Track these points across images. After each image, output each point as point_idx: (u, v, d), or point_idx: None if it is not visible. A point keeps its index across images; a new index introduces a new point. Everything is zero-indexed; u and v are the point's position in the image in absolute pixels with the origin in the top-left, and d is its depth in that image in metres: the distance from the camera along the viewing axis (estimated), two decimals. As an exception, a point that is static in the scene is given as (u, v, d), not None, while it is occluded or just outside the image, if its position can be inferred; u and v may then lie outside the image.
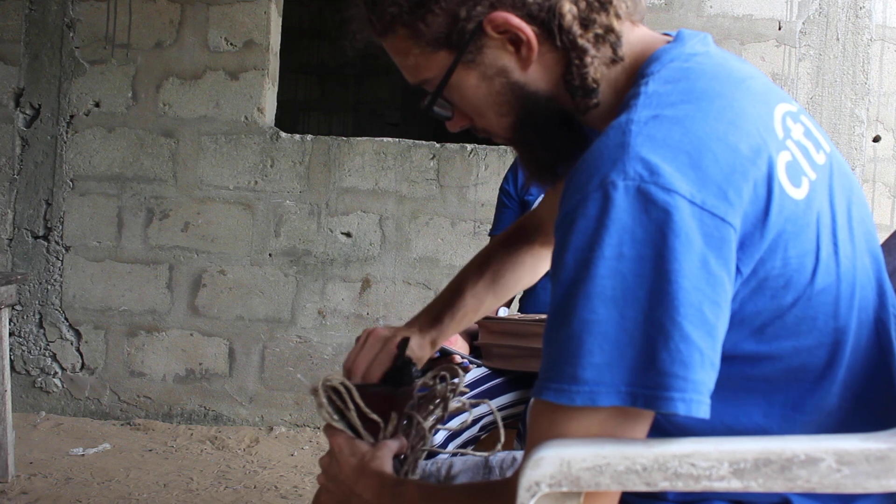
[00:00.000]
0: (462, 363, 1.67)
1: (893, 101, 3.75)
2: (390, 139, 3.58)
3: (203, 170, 3.57)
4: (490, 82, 0.87)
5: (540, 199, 2.15)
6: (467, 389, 1.07)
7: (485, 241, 3.39)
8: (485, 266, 1.27)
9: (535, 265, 1.31)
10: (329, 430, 1.00)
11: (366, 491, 0.92)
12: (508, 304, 2.04)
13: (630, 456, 0.69)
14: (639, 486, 0.69)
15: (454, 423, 1.52)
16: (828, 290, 0.78)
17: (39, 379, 3.62)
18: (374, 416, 0.99)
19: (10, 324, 3.21)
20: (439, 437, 1.52)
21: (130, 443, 3.30)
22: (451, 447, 1.54)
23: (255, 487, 2.87)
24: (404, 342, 1.07)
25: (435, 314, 1.21)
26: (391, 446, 0.97)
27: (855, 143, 3.60)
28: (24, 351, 3.62)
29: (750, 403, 0.80)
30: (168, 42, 3.57)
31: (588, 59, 0.84)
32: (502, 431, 1.04)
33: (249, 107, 3.55)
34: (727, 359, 0.74)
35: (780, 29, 3.56)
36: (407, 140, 3.58)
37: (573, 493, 0.70)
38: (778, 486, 0.69)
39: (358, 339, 1.13)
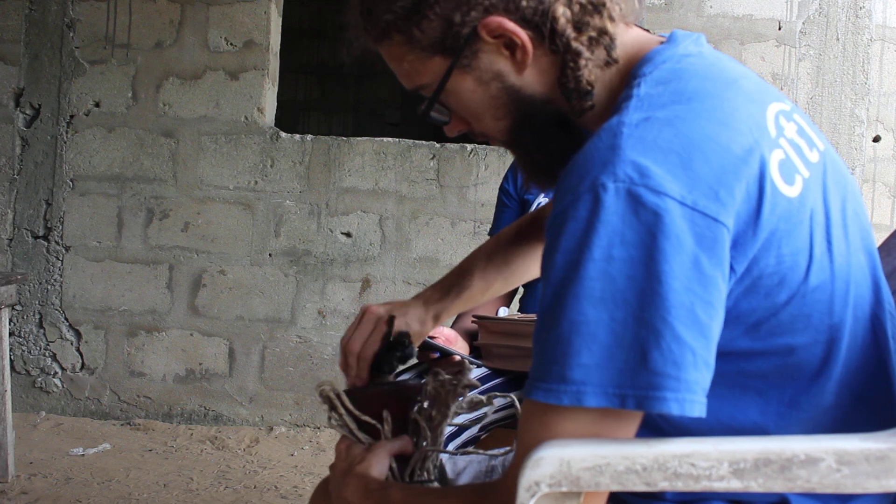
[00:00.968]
0: (458, 362, 1.66)
1: (893, 101, 3.75)
2: (390, 139, 3.58)
3: (203, 170, 3.57)
4: (486, 86, 0.87)
5: (541, 197, 2.15)
6: (478, 383, 1.07)
7: (485, 241, 3.39)
8: (495, 251, 1.28)
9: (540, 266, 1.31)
10: (342, 436, 1.01)
11: (351, 494, 0.92)
12: (508, 304, 2.04)
13: (630, 456, 0.69)
14: (638, 486, 0.69)
15: (472, 416, 1.51)
16: (822, 287, 0.78)
17: (39, 379, 3.62)
18: (367, 418, 0.99)
19: (10, 324, 3.21)
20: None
21: (130, 443, 3.30)
22: (450, 447, 1.54)
23: (255, 487, 2.87)
24: (391, 321, 1.08)
25: (442, 290, 1.22)
26: (387, 448, 0.97)
27: (855, 143, 3.60)
28: (24, 351, 3.62)
29: (746, 401, 0.80)
30: (168, 42, 3.57)
31: (582, 62, 0.84)
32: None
33: (249, 107, 3.55)
34: (722, 356, 0.74)
35: (780, 29, 3.56)
36: (407, 140, 3.58)
37: (573, 493, 0.70)
38: (778, 486, 0.69)
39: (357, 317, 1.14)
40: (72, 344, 3.62)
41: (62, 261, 3.61)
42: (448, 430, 1.52)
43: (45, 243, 3.62)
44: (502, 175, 2.73)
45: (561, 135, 0.91)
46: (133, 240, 3.60)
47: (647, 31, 0.93)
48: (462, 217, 3.52)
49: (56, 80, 3.59)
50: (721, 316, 0.72)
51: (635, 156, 0.71)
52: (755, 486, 0.68)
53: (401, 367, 1.30)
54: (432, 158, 3.53)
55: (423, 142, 3.56)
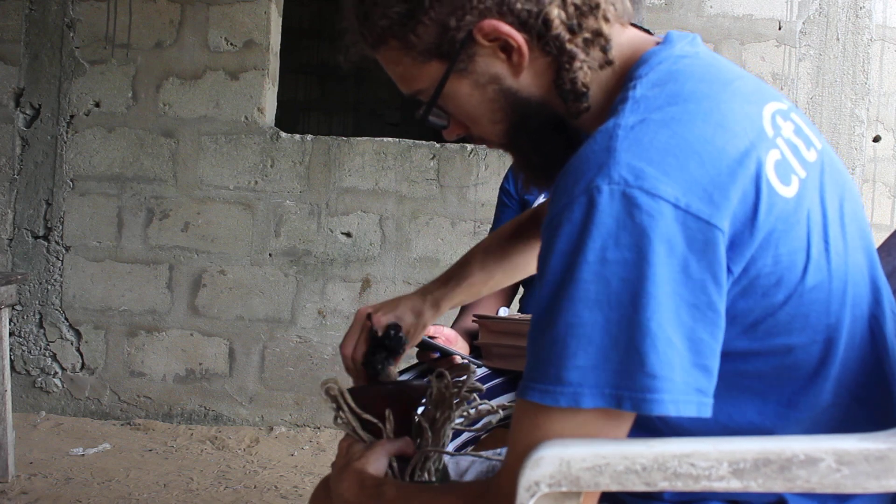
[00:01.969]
0: (462, 363, 1.66)
1: (893, 101, 3.75)
2: (390, 139, 3.58)
3: (203, 170, 3.57)
4: (483, 90, 0.88)
5: (541, 198, 2.14)
6: (482, 387, 1.07)
7: (485, 241, 3.39)
8: (494, 245, 1.29)
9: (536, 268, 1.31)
10: (346, 435, 1.02)
11: (346, 491, 0.93)
12: (508, 304, 2.04)
13: (630, 456, 0.69)
14: (638, 486, 0.69)
15: (479, 425, 1.52)
16: (819, 287, 0.78)
17: (39, 379, 3.62)
18: (369, 417, 0.99)
19: (10, 324, 3.21)
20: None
21: (130, 443, 3.30)
22: (450, 447, 1.54)
23: (255, 487, 2.87)
24: (368, 317, 1.12)
25: (441, 280, 1.24)
26: (386, 446, 0.97)
27: (855, 143, 3.60)
28: (24, 351, 3.62)
29: (744, 401, 0.80)
30: (168, 42, 3.57)
31: (577, 64, 0.85)
32: None
33: (249, 107, 3.55)
34: (720, 356, 0.74)
35: (780, 29, 3.56)
36: (407, 140, 3.58)
37: (572, 493, 0.70)
38: (777, 486, 0.69)
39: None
40: (72, 344, 3.62)
41: (62, 261, 3.61)
42: (451, 432, 1.52)
43: (45, 243, 3.62)
44: (502, 175, 2.73)
45: (558, 137, 0.91)
46: (133, 240, 3.60)
47: (647, 31, 0.93)
48: (462, 217, 3.52)
49: (56, 80, 3.59)
50: (715, 319, 0.72)
51: (630, 158, 0.72)
52: (755, 486, 0.68)
53: (403, 366, 1.30)
54: (432, 158, 3.53)
55: (424, 142, 3.56)
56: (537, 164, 0.94)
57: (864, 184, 3.69)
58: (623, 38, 0.88)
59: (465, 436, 1.59)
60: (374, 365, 1.09)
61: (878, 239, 1.03)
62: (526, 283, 1.88)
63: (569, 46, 0.84)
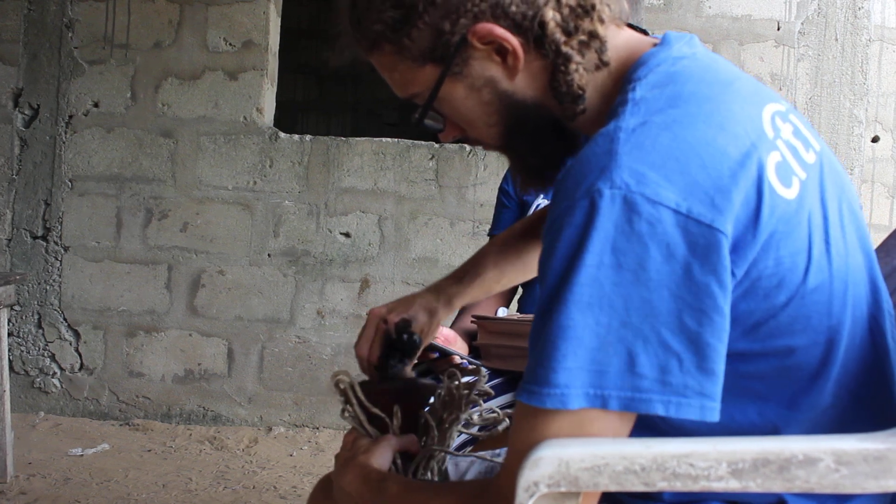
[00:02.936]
0: (462, 363, 1.66)
1: (892, 101, 3.75)
2: (389, 139, 3.58)
3: (202, 170, 3.57)
4: (478, 93, 0.87)
5: (540, 198, 2.15)
6: (492, 392, 1.08)
7: (484, 241, 3.39)
8: (507, 243, 1.29)
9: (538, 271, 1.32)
10: (351, 428, 1.02)
11: (349, 483, 0.93)
12: (508, 304, 2.04)
13: (629, 456, 0.69)
14: (637, 487, 0.69)
15: (486, 432, 1.52)
16: (821, 288, 0.78)
17: (38, 379, 3.61)
18: (377, 411, 0.99)
19: (8, 324, 3.21)
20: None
21: (129, 443, 3.30)
22: (450, 449, 1.54)
23: (253, 488, 2.87)
24: (404, 324, 1.11)
25: (454, 278, 1.24)
26: (392, 442, 0.98)
27: (854, 143, 3.60)
28: (22, 351, 3.61)
29: (745, 401, 0.80)
30: (167, 42, 3.57)
31: (573, 66, 0.84)
32: None
33: (248, 107, 3.55)
34: None
35: (778, 29, 3.56)
36: (406, 140, 3.58)
37: (571, 493, 0.70)
38: (776, 486, 0.69)
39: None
40: (70, 344, 3.62)
41: (61, 261, 3.61)
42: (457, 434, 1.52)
43: (44, 243, 3.61)
44: (501, 175, 2.73)
45: (554, 139, 0.91)
46: (132, 240, 3.60)
47: (644, 31, 0.93)
48: (461, 217, 3.52)
49: (55, 80, 3.59)
50: (720, 322, 0.72)
51: (632, 162, 0.72)
52: (754, 486, 0.68)
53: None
54: (431, 159, 3.54)
55: (422, 142, 3.56)
56: (533, 166, 0.94)
57: (862, 184, 3.69)
58: (619, 40, 0.88)
59: (463, 436, 1.59)
60: (388, 367, 1.09)
61: (877, 239, 1.03)
62: (525, 283, 1.88)
63: (564, 49, 0.84)
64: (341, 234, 3.55)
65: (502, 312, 1.89)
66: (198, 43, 3.55)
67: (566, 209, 0.73)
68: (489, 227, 2.34)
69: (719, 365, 0.73)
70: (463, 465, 1.15)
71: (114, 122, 3.59)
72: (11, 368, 3.51)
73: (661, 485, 0.69)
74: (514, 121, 0.89)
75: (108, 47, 3.57)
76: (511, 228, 1.34)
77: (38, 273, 3.61)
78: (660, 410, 0.70)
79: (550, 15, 0.83)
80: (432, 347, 1.49)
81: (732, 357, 0.77)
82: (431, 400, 1.06)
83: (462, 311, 1.94)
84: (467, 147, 3.51)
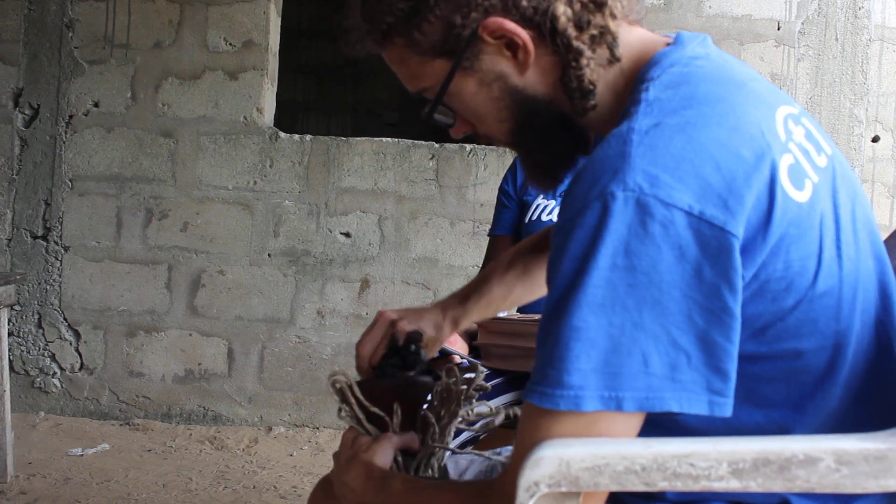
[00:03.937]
0: (462, 363, 1.67)
1: (892, 101, 3.75)
2: (389, 139, 3.58)
3: (202, 170, 3.57)
4: (488, 88, 0.87)
5: (539, 198, 2.15)
6: (488, 387, 1.08)
7: (484, 241, 3.39)
8: (514, 260, 1.29)
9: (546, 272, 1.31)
10: (350, 427, 1.02)
11: (352, 480, 0.93)
12: (507, 305, 2.03)
13: (629, 456, 0.69)
14: (638, 487, 0.69)
15: (478, 426, 1.52)
16: (830, 292, 0.78)
17: (38, 379, 3.61)
18: (376, 410, 0.99)
19: (8, 324, 3.21)
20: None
21: (129, 443, 3.30)
22: (451, 445, 1.54)
23: (253, 487, 2.87)
24: (415, 335, 1.10)
25: (460, 296, 1.23)
26: (393, 440, 0.98)
27: (854, 143, 3.60)
28: (22, 351, 3.61)
29: (751, 404, 0.80)
30: (167, 42, 3.57)
31: (584, 61, 0.84)
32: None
33: (248, 107, 3.55)
34: None
35: (778, 29, 3.56)
36: (406, 140, 3.58)
37: (572, 493, 0.70)
38: (777, 486, 0.69)
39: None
40: (71, 344, 3.62)
41: (61, 261, 3.61)
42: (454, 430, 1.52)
43: (44, 243, 3.61)
44: (501, 175, 2.73)
45: (564, 135, 0.91)
46: (132, 240, 3.60)
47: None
48: (461, 217, 3.52)
49: (55, 80, 3.59)
50: (730, 322, 0.72)
51: (646, 164, 0.71)
52: (754, 486, 0.68)
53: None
54: (431, 158, 3.54)
55: (422, 142, 3.56)
56: (543, 163, 0.94)
57: (862, 184, 3.68)
58: (631, 37, 0.87)
59: (465, 435, 1.59)
60: (385, 370, 1.08)
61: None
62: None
63: (575, 43, 0.83)
64: (341, 233, 3.55)
65: (502, 312, 1.89)
66: (198, 43, 3.55)
67: (578, 211, 0.72)
68: (489, 227, 2.34)
69: (729, 364, 0.72)
70: (463, 463, 1.15)
71: (114, 122, 3.59)
72: (11, 368, 3.51)
73: (662, 485, 0.69)
74: (525, 116, 0.88)
75: (109, 47, 3.57)
76: (518, 246, 1.32)
77: (39, 273, 3.61)
78: (673, 407, 0.70)
79: (562, 9, 0.82)
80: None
81: (740, 359, 0.76)
82: (429, 397, 1.06)
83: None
84: (467, 147, 3.51)
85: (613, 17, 0.85)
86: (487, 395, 1.64)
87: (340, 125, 6.34)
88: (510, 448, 1.15)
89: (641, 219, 0.70)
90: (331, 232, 3.55)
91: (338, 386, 1.01)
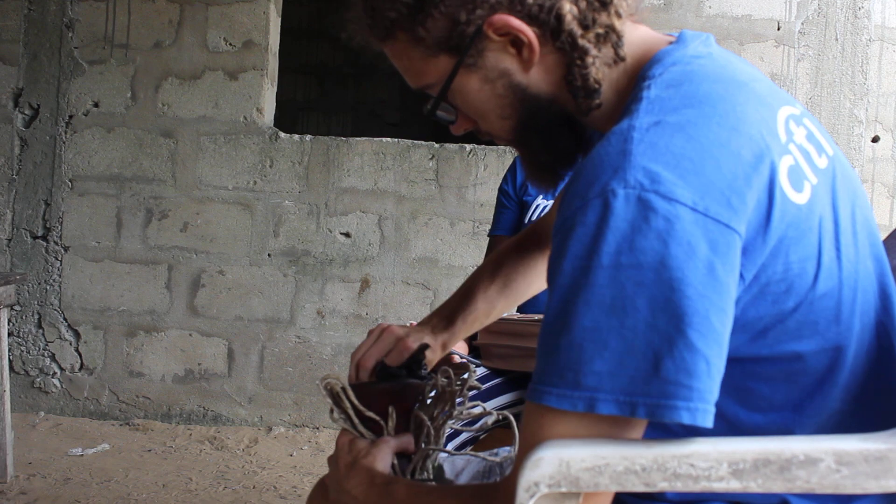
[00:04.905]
0: (462, 362, 1.66)
1: (892, 101, 3.75)
2: (389, 139, 3.58)
3: (202, 170, 3.57)
4: (492, 85, 0.87)
5: (539, 199, 2.15)
6: (480, 385, 1.07)
7: (484, 241, 3.39)
8: (496, 271, 1.27)
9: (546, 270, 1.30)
10: (342, 430, 1.01)
11: (354, 487, 0.92)
12: (507, 305, 2.03)
13: (629, 456, 0.69)
14: (638, 487, 0.69)
15: (476, 426, 1.52)
16: (830, 294, 0.78)
17: (38, 379, 3.61)
18: (371, 414, 0.99)
19: (8, 324, 3.21)
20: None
21: (129, 443, 3.30)
22: (449, 447, 1.54)
23: (254, 488, 2.87)
24: (423, 347, 1.08)
25: (446, 316, 1.21)
26: (391, 443, 0.97)
27: (854, 143, 3.60)
28: (22, 351, 3.61)
29: (751, 404, 0.80)
30: (167, 42, 3.57)
31: (589, 60, 0.83)
32: (517, 434, 1.04)
33: (248, 107, 3.55)
34: (730, 361, 0.73)
35: (778, 29, 3.56)
36: (406, 140, 3.58)
37: (572, 493, 0.70)
38: (777, 486, 0.68)
39: (371, 332, 1.13)
40: (71, 344, 3.62)
41: (61, 261, 3.61)
42: (448, 431, 1.52)
43: (44, 243, 3.61)
44: (501, 175, 2.73)
45: (567, 134, 0.90)
46: (132, 240, 3.60)
47: None
48: (461, 217, 3.52)
49: (55, 80, 3.59)
50: (730, 324, 0.72)
51: (646, 161, 0.71)
52: (754, 486, 0.68)
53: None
54: (431, 158, 3.53)
55: (422, 142, 3.56)
56: (546, 162, 0.93)
57: (862, 184, 3.69)
58: (635, 36, 0.87)
59: (464, 436, 1.59)
60: (385, 374, 1.08)
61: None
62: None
63: (581, 42, 0.83)
64: (341, 233, 3.55)
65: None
66: (198, 43, 3.55)
67: (578, 209, 0.71)
68: (489, 227, 2.34)
69: (724, 367, 0.72)
70: (459, 463, 1.15)
71: (114, 122, 3.59)
72: (11, 368, 3.51)
73: (662, 485, 0.69)
74: (528, 114, 0.88)
75: (109, 47, 3.57)
76: (500, 251, 1.30)
77: (38, 273, 3.61)
78: (686, 419, 0.68)
79: (567, 7, 0.82)
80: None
81: (741, 361, 0.76)
82: (420, 398, 1.06)
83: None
84: (467, 147, 3.51)
85: (619, 15, 0.84)
86: (487, 395, 1.64)
87: (341, 125, 6.34)
88: (507, 449, 1.15)
89: (644, 215, 0.69)
90: (331, 232, 3.55)
91: (333, 390, 1.00)
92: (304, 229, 3.56)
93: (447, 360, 1.58)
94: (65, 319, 3.61)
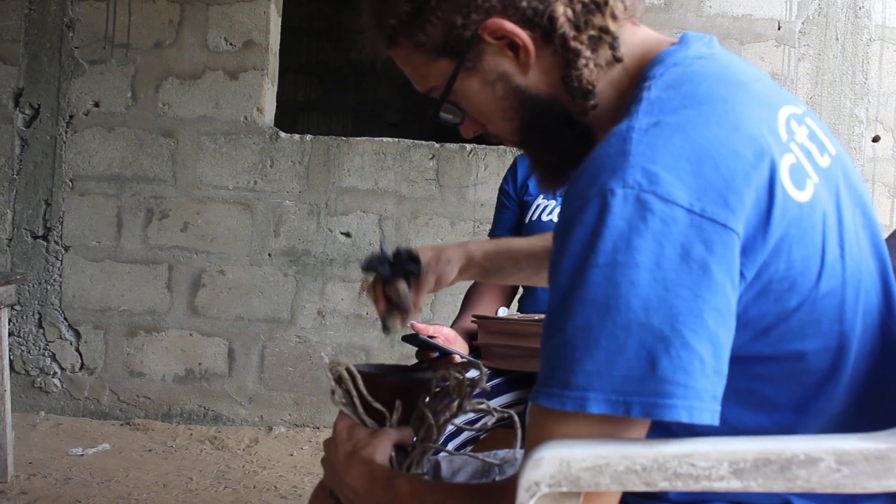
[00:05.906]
0: (473, 362, 1.66)
1: (893, 101, 3.75)
2: (390, 139, 3.58)
3: (202, 170, 3.57)
4: (492, 88, 0.88)
5: (539, 199, 2.14)
6: (488, 387, 1.07)
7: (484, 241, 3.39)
8: (531, 244, 1.36)
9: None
10: (340, 413, 1.00)
11: (354, 480, 0.92)
12: (508, 304, 2.04)
13: (630, 456, 0.69)
14: (638, 487, 0.69)
15: (478, 425, 1.52)
16: (833, 293, 0.78)
17: (39, 379, 3.62)
18: (377, 405, 0.99)
19: (9, 324, 3.21)
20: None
21: (130, 443, 3.30)
22: (450, 446, 1.54)
23: (254, 487, 2.87)
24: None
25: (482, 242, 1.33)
26: (391, 435, 0.97)
27: (854, 143, 3.60)
28: (23, 351, 3.62)
29: (754, 405, 0.80)
30: (167, 42, 3.57)
31: (582, 62, 0.84)
32: (518, 434, 1.04)
33: (249, 107, 3.55)
34: (732, 361, 0.73)
35: (779, 29, 3.56)
36: (406, 140, 3.58)
37: (572, 493, 0.70)
38: (777, 486, 0.68)
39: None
40: (71, 344, 3.62)
41: (61, 261, 3.61)
42: (449, 428, 1.52)
43: (45, 243, 3.61)
44: (502, 175, 2.73)
45: (570, 134, 0.91)
46: (132, 240, 3.60)
47: None
48: (461, 217, 3.52)
49: (55, 79, 3.59)
50: (730, 322, 0.72)
51: (645, 162, 0.71)
52: (755, 486, 0.68)
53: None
54: (432, 158, 3.53)
55: (423, 142, 3.56)
56: (550, 162, 0.94)
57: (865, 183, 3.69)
58: (635, 37, 0.88)
59: (464, 435, 1.59)
60: (370, 264, 1.16)
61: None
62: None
63: (573, 44, 0.84)
64: (342, 233, 3.55)
65: (503, 312, 1.89)
66: (198, 43, 3.55)
67: (578, 209, 0.72)
68: (489, 227, 2.34)
69: (726, 367, 0.72)
70: (457, 462, 1.15)
71: (114, 122, 3.59)
72: (12, 368, 3.52)
73: (663, 485, 0.69)
74: (530, 116, 0.89)
75: (109, 47, 3.57)
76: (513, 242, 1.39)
77: (39, 273, 3.61)
78: (683, 417, 0.68)
79: (561, 10, 0.83)
80: (432, 346, 1.50)
81: (744, 360, 0.76)
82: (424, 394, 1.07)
83: (462, 311, 1.94)
84: (468, 147, 3.51)
85: (614, 17, 0.85)
86: (488, 395, 1.64)
87: (341, 125, 6.34)
88: (506, 451, 1.16)
89: (642, 215, 0.69)
90: (331, 232, 3.55)
91: (345, 375, 1.00)
92: (305, 229, 3.56)
93: (448, 360, 1.58)
94: (65, 319, 3.62)
